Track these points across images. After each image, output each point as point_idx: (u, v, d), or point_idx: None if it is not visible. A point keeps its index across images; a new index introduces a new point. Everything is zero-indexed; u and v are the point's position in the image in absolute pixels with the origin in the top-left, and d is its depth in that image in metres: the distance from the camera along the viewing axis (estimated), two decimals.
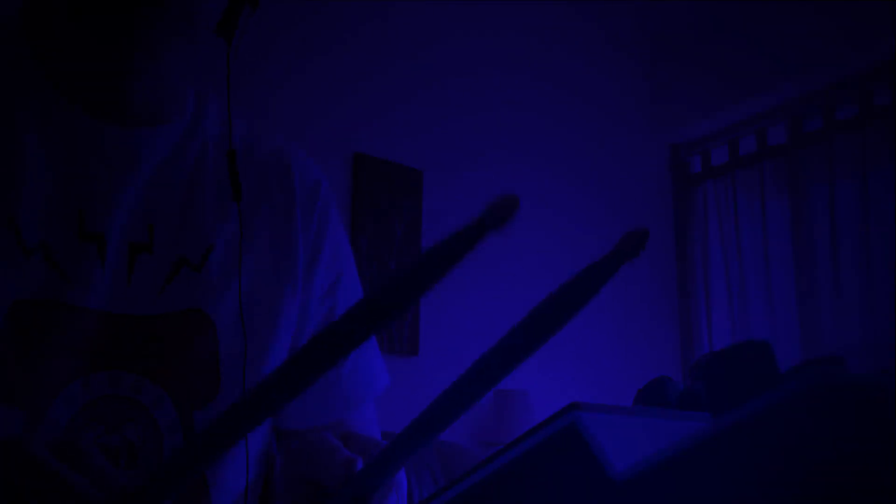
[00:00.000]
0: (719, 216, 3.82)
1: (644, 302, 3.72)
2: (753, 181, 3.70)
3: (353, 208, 3.10)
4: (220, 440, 0.40)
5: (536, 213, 3.54)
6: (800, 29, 3.42)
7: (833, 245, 3.36)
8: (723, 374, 0.39)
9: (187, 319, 0.76)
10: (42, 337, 0.70)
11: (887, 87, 3.24)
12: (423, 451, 0.45)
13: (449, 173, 3.34)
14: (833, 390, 0.30)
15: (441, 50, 3.41)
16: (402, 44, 3.34)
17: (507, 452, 0.38)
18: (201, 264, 0.78)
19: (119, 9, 0.70)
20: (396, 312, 0.35)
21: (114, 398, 0.72)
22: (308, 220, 0.86)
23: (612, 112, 3.88)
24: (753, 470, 0.31)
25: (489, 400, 3.15)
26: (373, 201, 3.15)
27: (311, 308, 0.85)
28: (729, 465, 0.32)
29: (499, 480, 0.38)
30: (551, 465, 0.37)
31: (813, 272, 3.41)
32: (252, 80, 2.89)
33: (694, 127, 3.89)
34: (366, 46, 3.24)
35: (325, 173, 0.90)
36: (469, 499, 0.39)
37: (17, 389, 0.69)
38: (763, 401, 0.31)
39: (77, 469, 0.51)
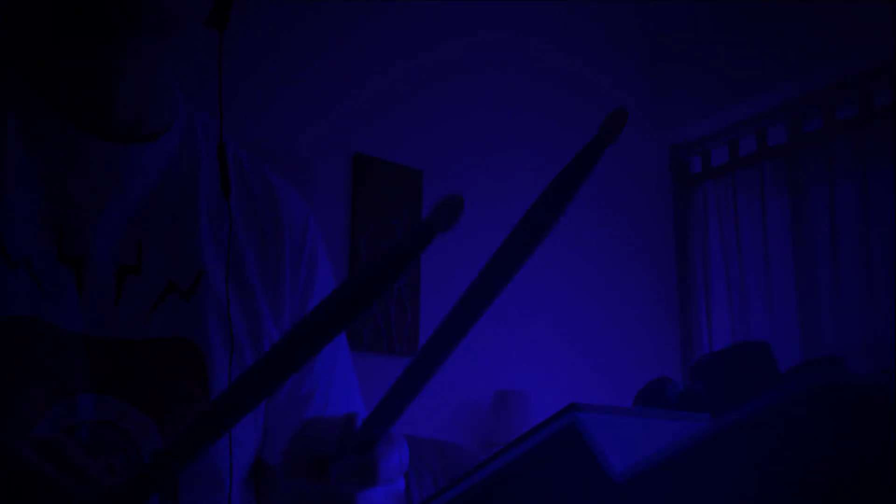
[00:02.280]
0: (719, 216, 3.81)
1: (644, 302, 3.72)
2: (753, 181, 3.70)
3: (353, 208, 3.10)
4: (209, 430, 0.40)
5: None
6: (800, 29, 3.42)
7: (833, 245, 3.36)
8: (723, 374, 0.39)
9: (175, 347, 0.74)
10: (24, 356, 0.68)
11: (887, 87, 3.24)
12: (419, 390, 0.45)
13: (449, 173, 3.34)
14: (833, 390, 0.30)
15: (441, 50, 3.41)
16: (402, 44, 3.34)
17: (507, 453, 0.38)
18: (191, 292, 0.76)
19: (104, 7, 0.69)
20: (361, 310, 0.36)
21: (97, 424, 0.71)
22: (297, 263, 0.85)
23: None
24: (753, 470, 0.31)
25: (489, 400, 3.15)
26: (373, 201, 3.14)
27: None
28: (729, 465, 0.32)
29: (499, 481, 0.38)
30: (551, 466, 0.37)
31: (813, 272, 3.41)
32: (252, 80, 2.89)
33: (694, 127, 3.89)
34: (366, 46, 3.24)
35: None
36: (469, 499, 0.39)
37: None
38: (763, 401, 0.31)
39: (61, 468, 0.51)
